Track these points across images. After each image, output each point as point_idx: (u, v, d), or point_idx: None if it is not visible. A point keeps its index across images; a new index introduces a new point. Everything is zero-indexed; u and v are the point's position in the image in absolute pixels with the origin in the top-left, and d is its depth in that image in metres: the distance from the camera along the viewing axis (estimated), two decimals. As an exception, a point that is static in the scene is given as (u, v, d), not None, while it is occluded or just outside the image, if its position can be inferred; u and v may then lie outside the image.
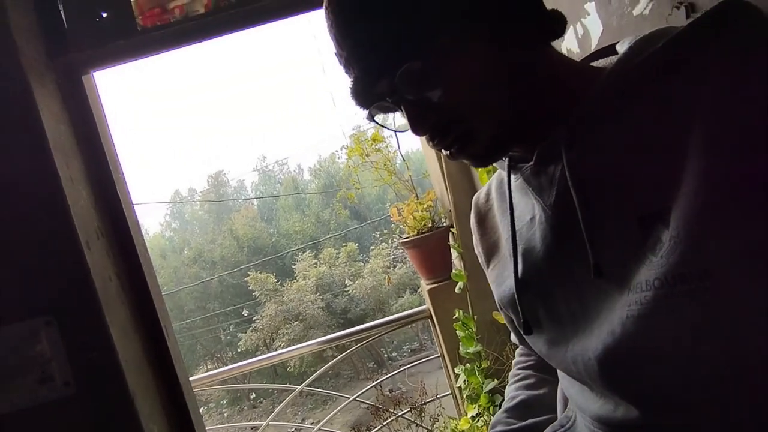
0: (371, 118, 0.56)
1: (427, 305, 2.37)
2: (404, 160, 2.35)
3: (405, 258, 14.66)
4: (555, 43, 0.56)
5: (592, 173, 0.49)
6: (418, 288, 15.02)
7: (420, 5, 0.48)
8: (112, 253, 1.17)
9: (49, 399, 1.03)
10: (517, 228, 0.59)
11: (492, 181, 0.72)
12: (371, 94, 0.52)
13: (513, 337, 0.79)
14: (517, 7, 0.50)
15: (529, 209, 0.58)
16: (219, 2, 1.24)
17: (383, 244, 15.75)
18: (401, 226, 2.43)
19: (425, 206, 2.31)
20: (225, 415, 16.10)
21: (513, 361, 0.83)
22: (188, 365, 18.26)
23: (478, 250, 0.73)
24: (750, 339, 0.40)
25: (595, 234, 0.48)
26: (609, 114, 0.48)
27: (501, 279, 0.64)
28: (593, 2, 0.82)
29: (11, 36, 1.07)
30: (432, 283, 2.30)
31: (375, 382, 2.60)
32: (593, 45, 0.85)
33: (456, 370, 2.09)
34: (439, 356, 2.40)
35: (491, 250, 0.69)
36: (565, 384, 0.61)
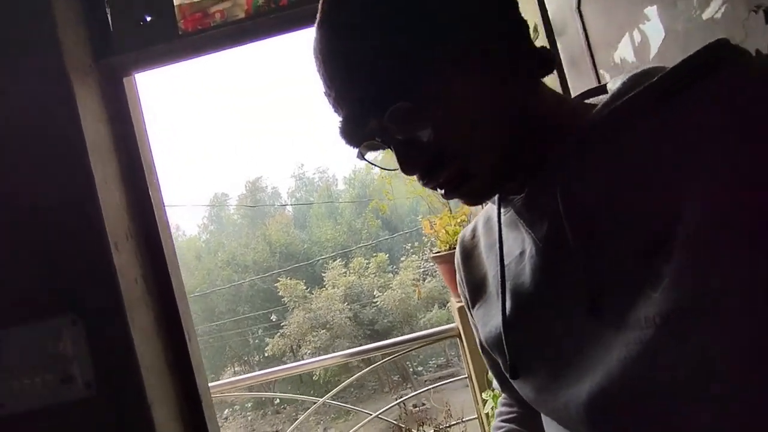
0: (361, 156, 0.55)
1: (456, 323, 2.29)
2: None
3: (435, 272, 14.51)
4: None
5: (587, 206, 0.47)
6: (447, 303, 14.82)
7: (408, 46, 0.47)
8: (140, 255, 1.17)
9: (69, 399, 1.02)
10: (505, 263, 0.57)
11: (479, 217, 0.69)
12: (360, 133, 0.52)
13: (495, 384, 0.76)
14: (508, 46, 0.49)
15: (518, 243, 0.56)
16: (259, 8, 1.24)
17: (414, 256, 15.67)
18: (432, 239, 2.37)
19: (458, 221, 2.25)
20: (249, 418, 16.24)
21: (495, 411, 0.79)
22: (216, 366, 18.72)
23: (461, 289, 0.70)
24: (759, 373, 0.37)
25: (591, 269, 0.46)
26: (602, 146, 0.47)
27: (487, 318, 0.61)
28: (654, 6, 0.75)
29: (57, 36, 1.09)
30: (461, 301, 2.22)
31: (399, 399, 2.52)
32: (652, 53, 0.78)
33: (484, 395, 2.00)
34: (466, 377, 2.32)
35: (477, 288, 0.66)
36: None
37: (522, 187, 0.54)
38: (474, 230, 0.69)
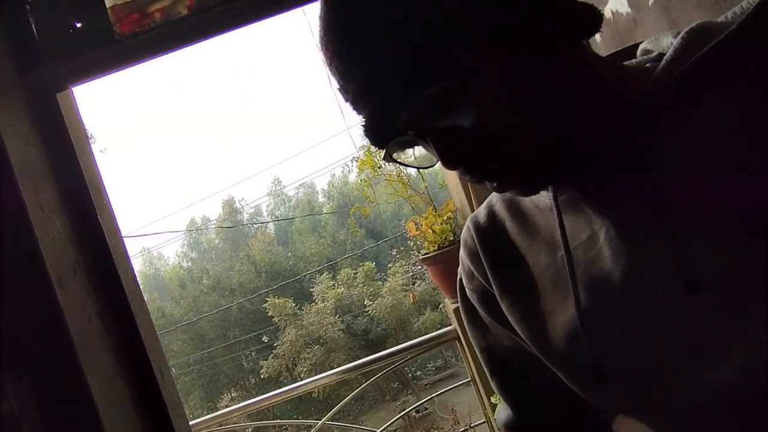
0: (389, 157, 0.48)
1: (454, 326, 2.18)
2: (419, 169, 2.19)
3: (424, 274, 14.41)
4: (596, 6, 0.46)
5: (671, 178, 0.43)
6: (440, 305, 14.74)
7: (437, 17, 0.41)
8: (93, 289, 1.03)
9: (19, 467, 0.87)
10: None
11: (492, 201, 0.60)
12: (389, 129, 0.46)
13: (504, 414, 0.61)
14: (548, 6, 0.43)
15: (583, 227, 0.49)
16: (203, 2, 1.11)
17: (401, 261, 15.55)
18: (419, 242, 2.26)
19: (445, 218, 2.14)
20: (250, 444, 15.84)
21: None
22: (212, 394, 18.27)
23: (474, 284, 0.59)
24: None
25: (689, 244, 0.42)
26: (674, 115, 0.43)
27: (538, 318, 0.52)
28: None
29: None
30: (457, 302, 2.11)
31: (402, 413, 2.40)
32: (651, 0, 0.68)
33: (493, 399, 1.88)
34: (469, 380, 2.21)
35: (510, 283, 0.56)
36: None
37: (576, 166, 0.47)
38: (491, 215, 0.59)
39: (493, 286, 0.56)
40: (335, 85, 0.47)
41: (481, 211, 0.61)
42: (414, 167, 0.51)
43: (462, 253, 0.62)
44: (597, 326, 0.47)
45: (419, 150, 0.50)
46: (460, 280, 0.63)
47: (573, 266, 0.48)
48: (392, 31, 0.42)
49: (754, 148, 0.40)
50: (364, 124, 0.46)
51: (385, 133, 0.46)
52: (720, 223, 0.41)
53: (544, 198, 0.52)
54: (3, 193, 0.89)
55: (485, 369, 0.62)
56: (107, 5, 1.12)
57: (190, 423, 2.32)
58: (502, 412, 0.63)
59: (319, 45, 0.47)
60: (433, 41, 0.41)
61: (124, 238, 1.23)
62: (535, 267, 0.53)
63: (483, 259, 0.58)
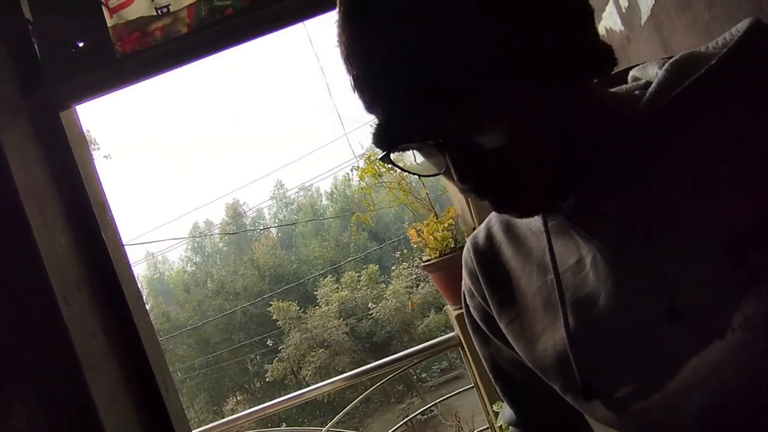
0: (389, 159, 0.47)
1: (456, 332, 2.19)
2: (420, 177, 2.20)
3: (427, 277, 14.39)
4: None
5: (654, 205, 0.45)
6: (443, 306, 14.71)
7: (471, 40, 0.41)
8: (97, 305, 1.04)
9: (27, 482, 0.89)
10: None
11: (491, 223, 0.62)
12: (404, 135, 0.45)
13: (508, 413, 0.66)
14: (580, 39, 0.44)
15: (571, 252, 0.51)
16: (203, 20, 1.13)
17: (404, 264, 15.54)
18: (421, 248, 2.27)
19: (446, 225, 2.15)
20: (257, 449, 15.82)
21: None
22: (218, 398, 18.25)
23: (475, 302, 0.62)
24: None
25: (673, 270, 0.43)
26: (660, 142, 0.45)
27: (531, 336, 0.55)
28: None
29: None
30: (459, 309, 2.12)
31: (406, 419, 2.40)
32: (644, 19, 0.69)
33: (495, 407, 1.89)
34: (473, 386, 2.21)
35: (504, 302, 0.58)
36: None
37: (566, 194, 0.48)
38: (489, 237, 0.62)
39: (491, 307, 0.59)
40: (350, 81, 0.46)
41: (480, 233, 0.63)
42: (413, 173, 0.50)
43: (464, 272, 0.64)
44: (585, 347, 0.49)
45: (419, 157, 0.49)
46: (464, 294, 0.66)
47: (562, 289, 0.50)
48: (427, 43, 0.40)
49: (735, 177, 0.41)
50: (377, 125, 0.45)
51: (399, 138, 0.45)
52: (703, 251, 0.41)
53: (536, 222, 0.53)
54: (8, 213, 0.91)
55: (489, 375, 0.66)
56: (108, 25, 1.14)
57: (198, 431, 2.35)
58: (507, 411, 0.67)
59: (336, 40, 0.45)
60: (468, 61, 0.41)
61: (126, 247, 1.25)
62: (528, 288, 0.56)
63: (481, 281, 0.60)
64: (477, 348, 0.67)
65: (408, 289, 15.02)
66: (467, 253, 0.63)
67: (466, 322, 0.67)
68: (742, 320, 0.39)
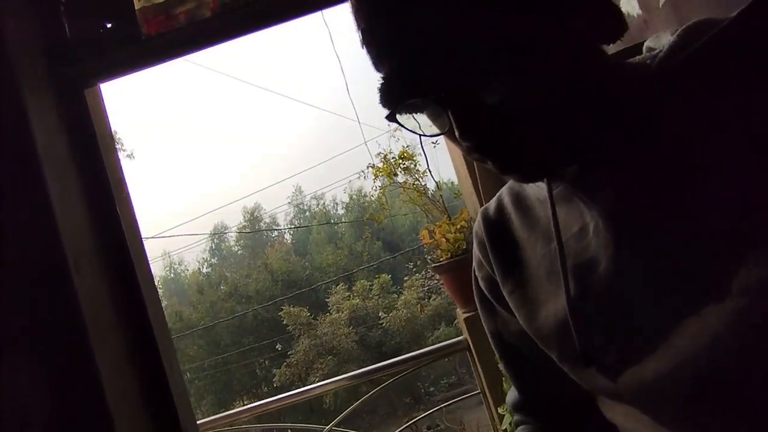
0: (393, 117, 0.47)
1: (464, 336, 2.16)
2: (431, 175, 2.20)
3: (440, 289, 14.29)
4: None
5: (656, 170, 0.44)
6: (455, 320, 14.57)
7: None
8: (108, 277, 1.06)
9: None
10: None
11: (502, 195, 0.63)
12: (410, 89, 0.44)
13: (511, 396, 0.67)
14: (597, 4, 0.45)
15: (575, 219, 0.51)
16: (225, 5, 1.15)
17: (417, 274, 15.47)
18: (433, 251, 2.26)
19: (458, 227, 2.14)
20: (260, 452, 15.79)
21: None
22: (225, 400, 18.28)
23: (482, 272, 0.63)
24: None
25: (672, 236, 0.42)
26: (668, 106, 0.44)
27: (533, 305, 0.55)
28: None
29: (7, 48, 1.01)
30: (469, 312, 2.09)
31: (410, 421, 2.37)
32: (661, 1, 0.68)
33: (500, 410, 1.85)
34: (479, 392, 2.18)
35: (509, 271, 0.59)
36: (630, 425, 0.51)
37: (570, 159, 0.48)
38: (500, 208, 0.62)
39: (497, 275, 0.60)
40: (359, 34, 0.46)
41: (492, 204, 0.64)
42: (417, 133, 0.50)
43: (474, 244, 0.65)
44: (585, 314, 0.49)
45: (423, 119, 0.49)
46: (474, 269, 0.67)
47: (564, 257, 0.50)
48: None
49: (744, 143, 0.41)
50: (383, 79, 0.45)
51: (405, 92, 0.45)
52: (702, 216, 0.41)
53: (544, 191, 0.53)
54: (29, 179, 0.94)
55: (495, 352, 0.66)
56: (136, 7, 1.18)
57: (202, 421, 2.35)
58: (510, 394, 0.67)
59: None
60: (477, 12, 0.41)
61: (144, 239, 1.27)
62: (533, 257, 0.56)
63: (489, 249, 0.61)
64: (484, 325, 0.66)
65: (420, 300, 14.92)
66: (478, 225, 0.64)
67: (476, 300, 0.67)
68: (741, 286, 0.39)
